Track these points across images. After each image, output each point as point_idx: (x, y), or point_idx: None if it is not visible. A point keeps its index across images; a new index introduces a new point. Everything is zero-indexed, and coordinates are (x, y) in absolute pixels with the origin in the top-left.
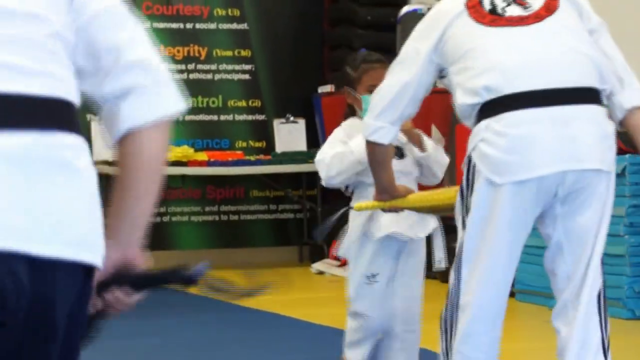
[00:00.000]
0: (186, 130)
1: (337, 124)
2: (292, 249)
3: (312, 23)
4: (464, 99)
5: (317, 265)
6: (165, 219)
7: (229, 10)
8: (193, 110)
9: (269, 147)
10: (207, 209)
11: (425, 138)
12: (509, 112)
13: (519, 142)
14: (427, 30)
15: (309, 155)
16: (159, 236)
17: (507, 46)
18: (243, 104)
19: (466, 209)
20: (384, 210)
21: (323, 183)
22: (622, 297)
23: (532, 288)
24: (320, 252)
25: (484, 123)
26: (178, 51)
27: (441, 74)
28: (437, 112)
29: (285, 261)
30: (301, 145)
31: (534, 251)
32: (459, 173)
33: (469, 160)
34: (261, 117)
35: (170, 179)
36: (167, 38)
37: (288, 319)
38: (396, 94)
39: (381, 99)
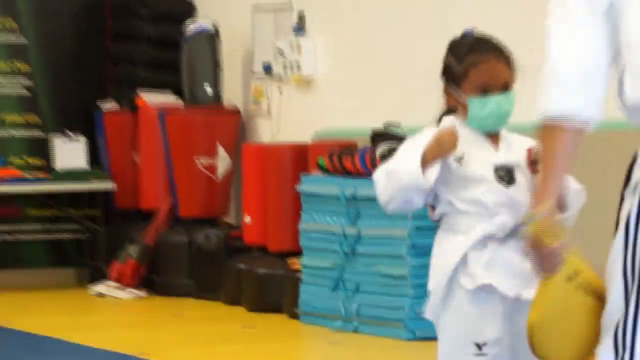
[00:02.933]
0: None
1: (120, 141)
2: (70, 271)
3: (94, 38)
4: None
5: (97, 287)
6: None
7: (4, 22)
8: None
9: (48, 164)
10: None
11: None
12: None
13: None
14: None
15: (90, 174)
16: None
17: None
18: (20, 119)
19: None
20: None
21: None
22: (403, 318)
23: (316, 310)
24: (100, 274)
25: None
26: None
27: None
28: (224, 131)
29: (62, 283)
30: (82, 163)
31: (319, 272)
32: (247, 200)
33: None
34: (39, 133)
35: None
36: None
37: (67, 344)
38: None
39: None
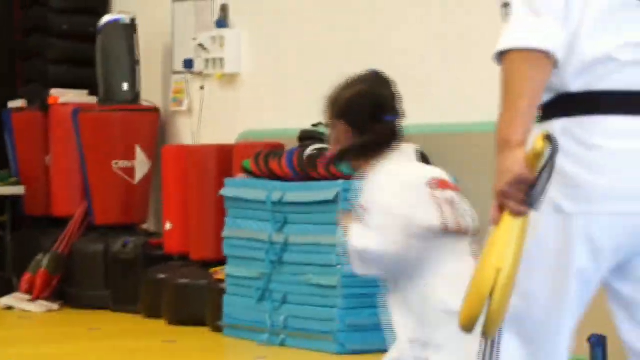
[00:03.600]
0: None
1: (30, 143)
2: None
3: (1, 31)
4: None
5: (5, 300)
6: None
7: None
8: None
9: None
10: None
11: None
12: (606, 116)
13: (617, 158)
14: None
15: None
16: None
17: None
18: None
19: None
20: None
21: None
22: (333, 330)
23: (241, 322)
24: (8, 285)
25: (560, 124)
26: None
27: None
28: (142, 132)
29: None
30: None
31: (244, 282)
32: (167, 206)
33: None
34: None
35: None
36: None
37: None
38: None
39: None
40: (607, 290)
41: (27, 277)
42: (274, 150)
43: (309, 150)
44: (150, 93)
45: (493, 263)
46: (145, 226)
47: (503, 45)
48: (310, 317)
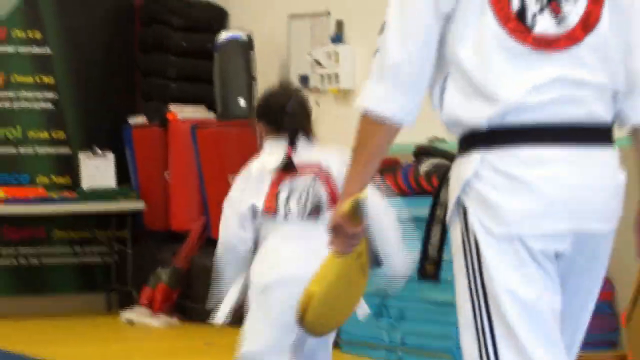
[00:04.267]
0: None
1: (150, 158)
2: (98, 296)
3: (122, 49)
4: (464, 105)
5: (127, 314)
6: None
7: (29, 33)
8: None
9: (74, 183)
10: (3, 251)
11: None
12: (519, 147)
13: (534, 185)
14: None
15: (118, 193)
16: None
17: (525, 76)
18: (45, 135)
19: (481, 279)
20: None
21: None
22: (452, 347)
23: (358, 338)
24: (129, 298)
25: (479, 155)
26: None
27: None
28: (258, 146)
29: (91, 309)
30: (110, 181)
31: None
32: None
33: (460, 207)
34: (65, 150)
35: None
36: None
37: None
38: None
39: None
40: None
41: (147, 291)
42: (389, 165)
43: (424, 166)
44: None
45: (309, 287)
46: None
47: (357, 103)
48: (428, 334)
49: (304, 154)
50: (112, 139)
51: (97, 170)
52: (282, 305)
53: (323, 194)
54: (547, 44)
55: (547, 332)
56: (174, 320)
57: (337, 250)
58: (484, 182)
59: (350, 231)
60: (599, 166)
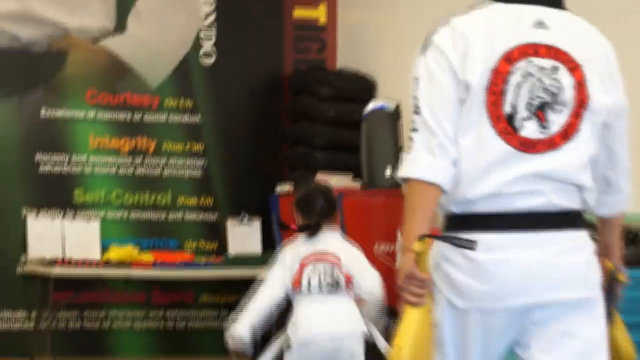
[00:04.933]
0: (131, 228)
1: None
2: None
3: (270, 118)
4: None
5: None
6: (106, 324)
7: (181, 101)
8: (139, 207)
9: (221, 248)
10: (151, 314)
11: None
12: (480, 233)
13: (490, 268)
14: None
15: (263, 258)
16: (99, 343)
17: (506, 171)
18: (194, 201)
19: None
20: None
21: None
22: None
23: None
24: None
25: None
26: (124, 143)
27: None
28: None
29: None
30: (256, 247)
31: None
32: None
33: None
34: (213, 216)
35: (112, 281)
36: (113, 129)
37: None
38: None
39: None
40: None
41: None
42: None
43: None
44: None
45: (396, 343)
46: None
47: (405, 173)
48: None
49: (326, 242)
50: (259, 206)
51: (244, 236)
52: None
53: (340, 275)
54: (529, 146)
55: None
56: None
57: (411, 301)
58: (449, 263)
59: (419, 276)
60: (558, 246)
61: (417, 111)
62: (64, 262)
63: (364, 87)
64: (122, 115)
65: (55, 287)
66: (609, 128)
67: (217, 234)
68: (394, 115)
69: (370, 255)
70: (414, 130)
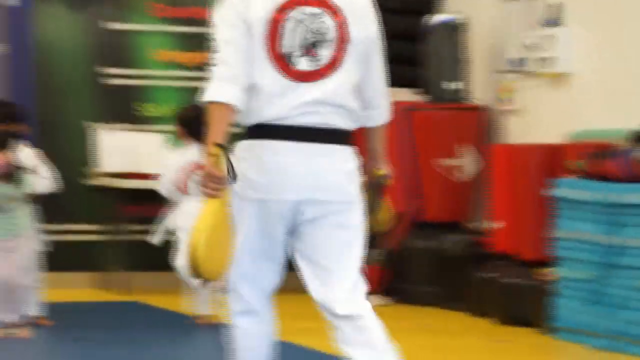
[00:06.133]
0: None
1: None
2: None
3: None
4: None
5: None
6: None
7: None
8: None
9: None
10: None
11: None
12: (269, 140)
13: (273, 167)
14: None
15: None
16: (168, 257)
17: (288, 98)
18: None
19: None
20: None
21: None
22: None
23: (573, 325)
24: None
25: (247, 142)
26: (192, 57)
27: None
28: (469, 131)
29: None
30: None
31: (575, 285)
32: (496, 205)
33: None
34: None
35: None
36: (179, 43)
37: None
38: None
39: None
40: (294, 251)
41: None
42: (607, 150)
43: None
44: (479, 92)
45: (196, 226)
46: (467, 224)
47: (207, 97)
48: None
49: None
50: None
51: None
52: None
53: None
54: (304, 77)
55: (255, 255)
56: (387, 301)
57: (210, 194)
58: (245, 162)
59: (216, 174)
60: (326, 156)
61: (216, 50)
62: (135, 175)
63: (429, 0)
64: (188, 29)
65: (126, 200)
66: (368, 57)
67: None
68: (460, 28)
69: (437, 170)
70: (214, 65)
